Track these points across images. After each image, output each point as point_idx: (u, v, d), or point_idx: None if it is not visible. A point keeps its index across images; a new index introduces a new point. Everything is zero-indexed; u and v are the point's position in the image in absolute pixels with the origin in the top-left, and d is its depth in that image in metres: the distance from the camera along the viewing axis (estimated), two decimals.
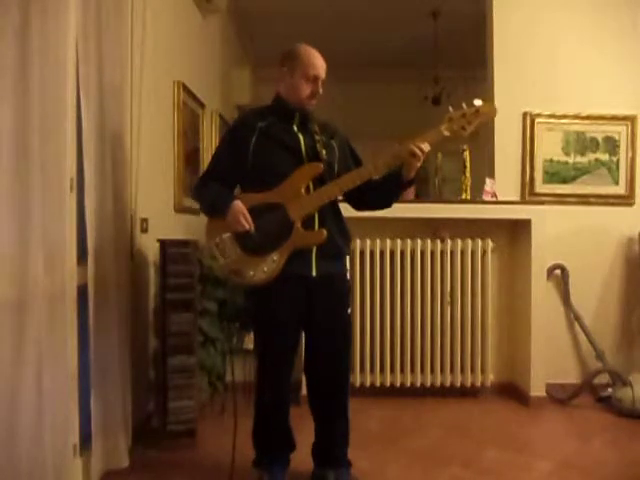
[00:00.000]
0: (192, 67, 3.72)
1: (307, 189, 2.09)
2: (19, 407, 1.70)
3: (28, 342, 1.72)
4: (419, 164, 2.06)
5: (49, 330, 1.82)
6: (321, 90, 2.16)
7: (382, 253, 3.38)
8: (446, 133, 2.06)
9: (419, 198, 3.87)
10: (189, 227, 3.42)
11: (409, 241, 3.38)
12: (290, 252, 2.06)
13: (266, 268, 2.06)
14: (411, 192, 3.79)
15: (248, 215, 2.05)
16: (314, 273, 2.11)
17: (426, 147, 2.03)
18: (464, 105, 2.07)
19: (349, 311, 2.28)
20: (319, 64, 2.14)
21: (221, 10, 4.28)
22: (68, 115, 1.94)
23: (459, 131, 2.06)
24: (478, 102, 2.07)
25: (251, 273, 2.07)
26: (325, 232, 2.06)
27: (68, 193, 1.96)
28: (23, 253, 1.72)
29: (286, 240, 2.06)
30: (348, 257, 3.32)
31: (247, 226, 2.04)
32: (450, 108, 2.09)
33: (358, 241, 3.36)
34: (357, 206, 2.32)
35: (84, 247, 2.16)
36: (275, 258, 2.06)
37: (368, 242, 3.37)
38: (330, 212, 2.14)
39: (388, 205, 2.29)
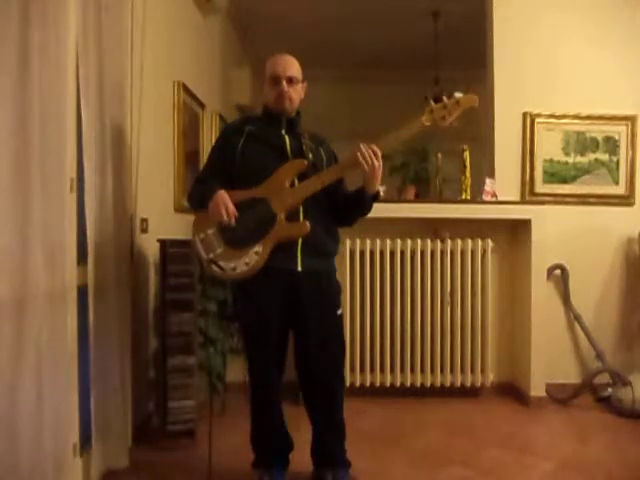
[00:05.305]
0: (192, 67, 3.72)
1: (292, 184, 2.09)
2: (19, 407, 1.70)
3: (28, 342, 1.72)
4: (369, 169, 2.05)
5: (49, 330, 1.82)
6: (285, 87, 2.13)
7: (382, 253, 3.38)
8: (427, 123, 2.12)
9: (419, 198, 3.87)
10: (189, 227, 3.40)
11: (409, 241, 3.38)
12: (273, 244, 2.06)
13: (248, 260, 2.06)
14: (411, 192, 3.80)
15: (231, 205, 2.05)
16: (299, 268, 2.10)
17: (376, 150, 2.06)
18: (445, 98, 2.13)
19: (339, 312, 2.25)
20: (278, 63, 2.16)
21: (221, 10, 4.29)
22: (68, 115, 1.94)
23: (439, 120, 2.12)
24: (459, 94, 2.14)
25: (233, 266, 2.07)
26: (308, 224, 2.06)
27: (68, 193, 1.96)
28: (23, 253, 1.72)
29: (269, 232, 2.06)
30: (348, 258, 3.41)
31: (226, 215, 2.03)
32: (431, 102, 2.16)
33: (358, 241, 3.36)
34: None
35: (84, 247, 2.16)
36: (258, 250, 2.05)
37: (368, 242, 3.37)
38: (317, 213, 2.13)
39: (349, 223, 2.29)
